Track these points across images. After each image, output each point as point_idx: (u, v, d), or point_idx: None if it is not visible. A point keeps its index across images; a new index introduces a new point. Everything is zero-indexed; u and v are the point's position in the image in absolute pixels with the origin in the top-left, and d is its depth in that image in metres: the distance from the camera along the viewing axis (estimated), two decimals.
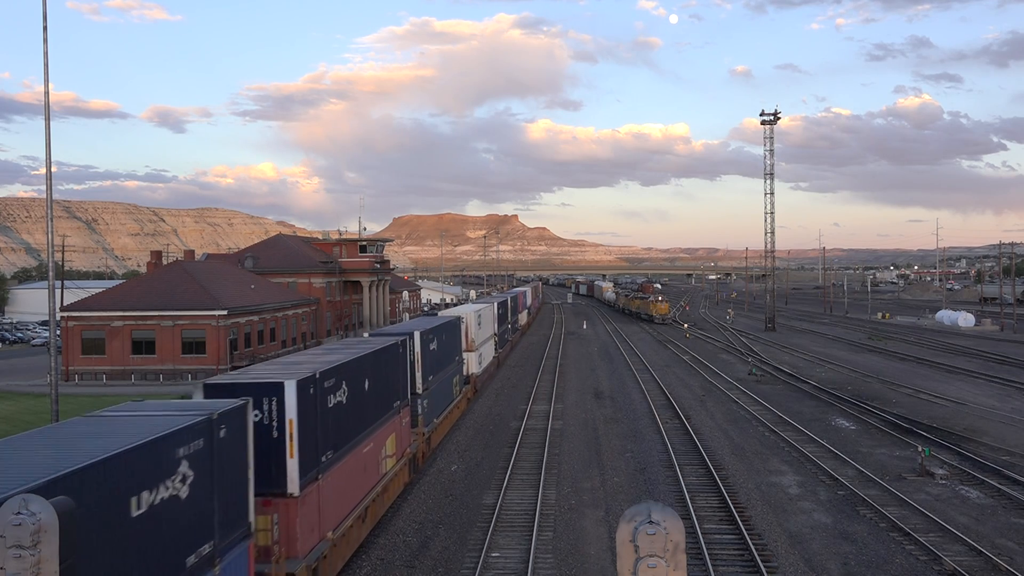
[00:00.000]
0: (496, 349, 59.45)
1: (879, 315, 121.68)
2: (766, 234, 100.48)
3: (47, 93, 29.46)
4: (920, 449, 30.70)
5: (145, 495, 11.43)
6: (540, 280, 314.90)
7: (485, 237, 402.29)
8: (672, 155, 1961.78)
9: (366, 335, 33.30)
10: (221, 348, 61.76)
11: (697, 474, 29.70)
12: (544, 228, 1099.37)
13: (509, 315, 73.38)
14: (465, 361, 44.51)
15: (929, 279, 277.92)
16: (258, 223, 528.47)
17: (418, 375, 30.36)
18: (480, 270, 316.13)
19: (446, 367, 37.31)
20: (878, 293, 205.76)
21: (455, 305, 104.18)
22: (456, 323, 41.91)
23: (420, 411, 30.29)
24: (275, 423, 16.57)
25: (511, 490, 27.88)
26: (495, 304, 61.21)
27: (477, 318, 48.08)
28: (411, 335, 30.31)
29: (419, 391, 30.36)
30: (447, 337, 37.97)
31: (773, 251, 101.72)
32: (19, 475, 9.73)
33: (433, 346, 33.60)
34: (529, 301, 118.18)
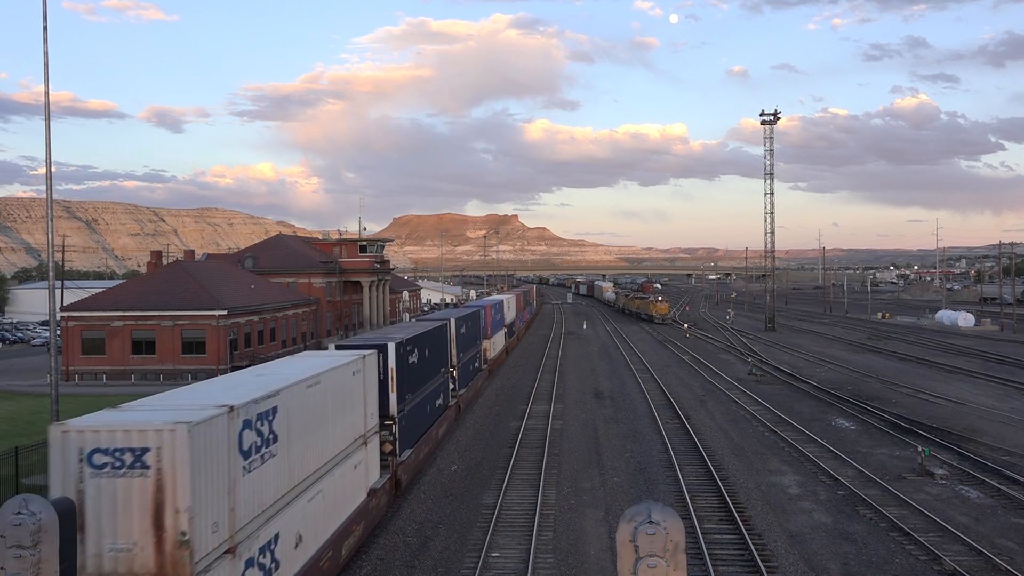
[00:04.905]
0: (411, 444, 27.98)
1: (879, 315, 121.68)
2: (766, 234, 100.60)
3: (47, 93, 29.40)
4: (920, 449, 30.69)
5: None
6: (540, 281, 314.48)
7: (485, 237, 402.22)
8: (670, 155, 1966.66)
9: None
10: (221, 348, 61.77)
11: (697, 474, 29.69)
12: (544, 228, 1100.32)
13: (455, 353, 39.86)
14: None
15: (929, 279, 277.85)
16: (258, 223, 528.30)
17: None
18: (480, 270, 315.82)
19: None
20: (878, 293, 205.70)
21: (441, 309, 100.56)
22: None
23: None
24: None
25: (511, 490, 27.89)
26: (391, 349, 24.90)
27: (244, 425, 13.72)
28: None
29: None
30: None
31: (773, 251, 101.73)
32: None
33: None
34: (511, 315, 73.69)
